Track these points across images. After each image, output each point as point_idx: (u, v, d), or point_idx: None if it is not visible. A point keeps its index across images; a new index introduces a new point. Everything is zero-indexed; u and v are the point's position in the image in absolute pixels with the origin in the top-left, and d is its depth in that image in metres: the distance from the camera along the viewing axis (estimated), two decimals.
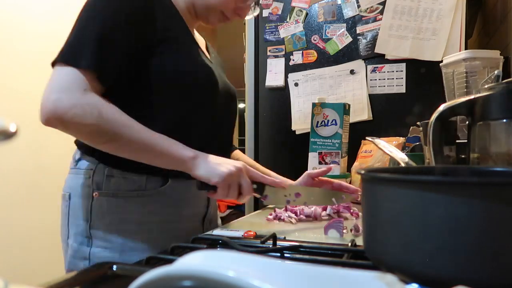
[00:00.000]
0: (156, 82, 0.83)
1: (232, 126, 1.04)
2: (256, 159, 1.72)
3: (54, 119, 0.73)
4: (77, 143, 0.88)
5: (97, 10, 0.79)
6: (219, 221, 1.04)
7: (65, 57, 0.76)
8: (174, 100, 0.84)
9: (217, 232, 0.78)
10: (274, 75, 1.71)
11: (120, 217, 0.82)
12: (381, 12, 1.56)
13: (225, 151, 1.01)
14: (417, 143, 1.13)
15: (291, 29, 1.69)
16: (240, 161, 0.84)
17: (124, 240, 0.81)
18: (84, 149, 0.85)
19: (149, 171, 0.83)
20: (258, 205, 1.69)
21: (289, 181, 1.04)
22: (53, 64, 0.77)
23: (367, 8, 1.59)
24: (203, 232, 0.91)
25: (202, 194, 0.91)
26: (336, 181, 1.01)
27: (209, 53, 1.03)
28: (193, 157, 0.78)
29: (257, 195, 0.84)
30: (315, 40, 1.66)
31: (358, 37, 1.60)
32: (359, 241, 0.64)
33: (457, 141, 0.85)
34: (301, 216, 0.91)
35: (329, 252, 0.58)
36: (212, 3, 0.90)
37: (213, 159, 0.79)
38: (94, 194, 0.82)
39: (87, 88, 0.74)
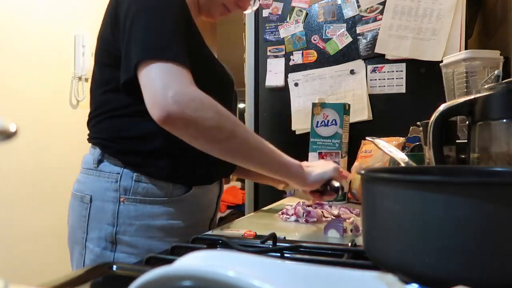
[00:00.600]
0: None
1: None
2: None
3: (176, 114, 0.67)
4: (97, 143, 0.84)
5: (156, 8, 0.75)
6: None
7: (162, 54, 0.70)
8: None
9: (217, 232, 0.78)
10: (274, 75, 1.71)
11: (148, 223, 0.81)
12: (381, 12, 1.56)
13: None
14: (417, 143, 1.13)
15: (291, 29, 1.69)
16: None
17: (150, 246, 0.80)
18: (109, 150, 0.83)
19: (175, 179, 0.84)
20: (258, 205, 1.69)
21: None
22: (139, 62, 0.71)
23: (367, 8, 1.59)
24: None
25: (213, 199, 0.96)
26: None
27: None
28: (300, 165, 0.84)
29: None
30: (315, 40, 1.66)
31: (358, 37, 1.60)
32: (359, 241, 0.64)
33: (457, 141, 0.85)
34: (308, 218, 0.91)
35: (329, 252, 0.58)
36: None
37: (312, 166, 0.88)
38: (121, 199, 0.80)
39: (193, 83, 0.71)
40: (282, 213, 0.96)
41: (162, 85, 0.68)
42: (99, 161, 0.83)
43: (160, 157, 0.81)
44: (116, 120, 0.83)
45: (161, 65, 0.69)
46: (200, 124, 0.69)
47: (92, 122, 0.88)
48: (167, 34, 0.73)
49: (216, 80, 0.89)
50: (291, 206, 0.96)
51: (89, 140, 0.87)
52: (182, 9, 0.80)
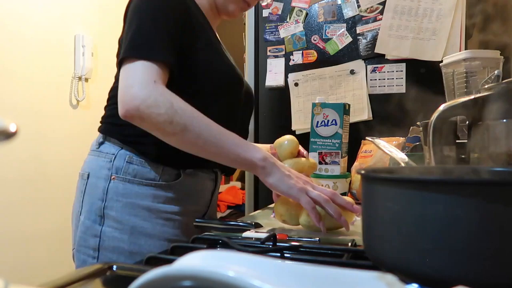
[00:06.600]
0: (189, 80, 0.87)
1: (248, 121, 1.13)
2: None
3: (132, 110, 0.75)
4: (101, 129, 0.94)
5: (151, 8, 0.83)
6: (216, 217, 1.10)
7: (138, 52, 0.79)
8: (207, 99, 0.89)
9: (217, 232, 0.78)
10: (274, 75, 1.71)
11: (133, 202, 0.87)
12: (381, 12, 1.56)
13: None
14: (417, 143, 1.13)
15: (291, 29, 1.69)
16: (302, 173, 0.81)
17: (134, 224, 0.86)
18: (109, 133, 0.91)
19: (166, 163, 0.89)
20: (258, 205, 1.69)
21: None
22: (123, 60, 0.80)
23: (367, 8, 1.59)
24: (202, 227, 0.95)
25: (206, 192, 0.99)
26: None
27: None
28: (263, 163, 0.76)
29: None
30: (315, 40, 1.66)
31: (358, 37, 1.60)
32: (359, 241, 0.64)
33: (457, 141, 0.85)
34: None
35: (329, 252, 0.58)
36: None
37: (282, 168, 0.77)
38: (112, 177, 0.88)
39: (157, 80, 0.77)
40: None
41: (125, 85, 0.77)
42: (101, 143, 0.92)
43: (151, 136, 0.82)
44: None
45: (130, 65, 0.79)
46: (153, 119, 0.76)
47: (104, 113, 0.97)
48: (149, 34, 0.81)
49: (216, 80, 0.92)
50: None
51: (99, 129, 0.95)
52: (179, 11, 0.86)
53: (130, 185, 0.87)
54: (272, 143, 0.93)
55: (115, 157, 0.88)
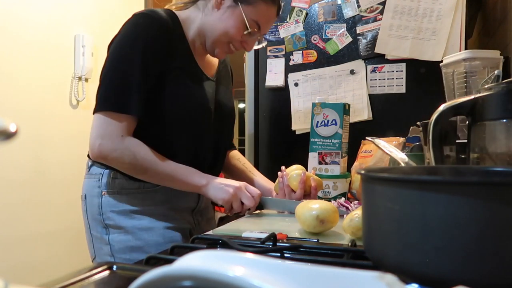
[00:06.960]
0: (157, 111, 0.99)
1: (229, 136, 1.23)
2: (256, 159, 1.72)
3: (100, 158, 0.96)
4: (88, 155, 1.04)
5: (125, 56, 0.95)
6: (215, 215, 1.23)
7: (111, 106, 0.94)
8: (173, 128, 1.01)
9: (218, 232, 0.78)
10: (274, 75, 1.71)
11: (125, 208, 1.00)
12: (381, 12, 1.56)
13: (220, 159, 1.18)
14: (417, 143, 1.13)
15: (291, 29, 1.69)
16: (240, 182, 1.01)
17: (132, 224, 0.99)
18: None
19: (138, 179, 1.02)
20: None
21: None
22: (97, 110, 0.95)
23: (367, 8, 1.59)
24: (194, 222, 1.10)
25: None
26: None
27: (219, 69, 1.16)
28: (205, 184, 0.97)
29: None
30: (315, 40, 1.66)
31: (358, 37, 1.60)
32: (359, 241, 0.64)
33: (457, 141, 0.85)
34: None
35: (329, 252, 0.58)
36: (218, 37, 1.03)
37: (219, 184, 0.98)
38: (102, 193, 1.01)
39: (124, 134, 0.94)
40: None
41: (96, 135, 0.94)
42: (90, 166, 1.05)
43: None
44: None
45: (100, 116, 0.94)
46: (119, 166, 0.97)
47: None
48: (121, 88, 0.94)
49: (179, 112, 1.02)
50: None
51: (88, 154, 1.05)
52: (148, 54, 0.95)
53: (119, 196, 1.00)
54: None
55: (102, 176, 1.01)
